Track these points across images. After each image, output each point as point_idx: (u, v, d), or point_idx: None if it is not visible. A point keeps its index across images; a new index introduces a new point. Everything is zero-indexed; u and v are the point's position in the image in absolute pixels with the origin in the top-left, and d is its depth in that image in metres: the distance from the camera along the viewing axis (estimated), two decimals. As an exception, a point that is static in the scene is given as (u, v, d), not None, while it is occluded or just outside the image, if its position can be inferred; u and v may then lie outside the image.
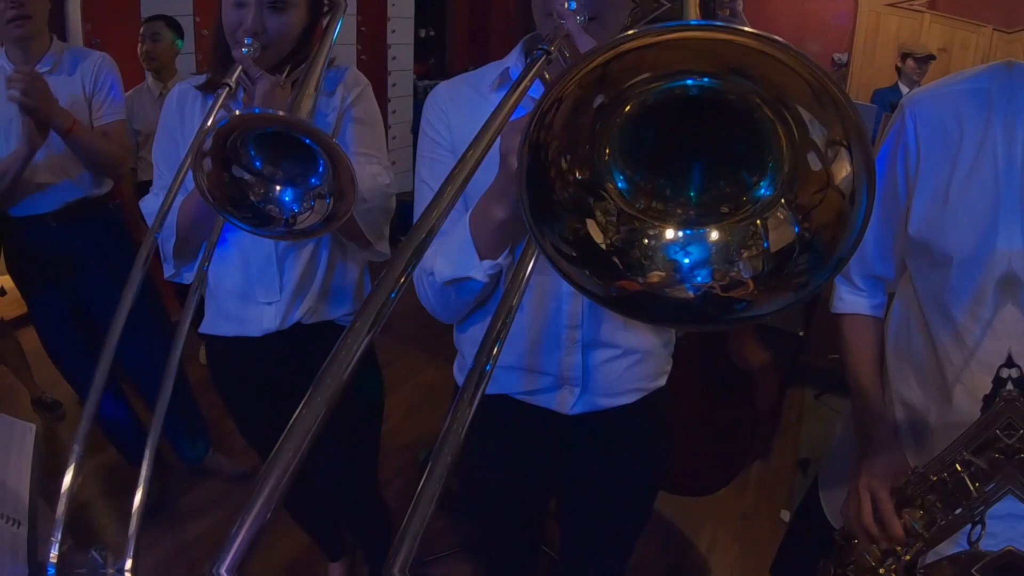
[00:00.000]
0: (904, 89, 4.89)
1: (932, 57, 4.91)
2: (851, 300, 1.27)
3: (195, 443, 2.69)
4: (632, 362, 1.18)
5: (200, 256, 1.41)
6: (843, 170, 0.53)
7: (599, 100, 0.58)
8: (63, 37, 3.11)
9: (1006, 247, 0.99)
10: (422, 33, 6.14)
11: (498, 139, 0.66)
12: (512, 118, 0.69)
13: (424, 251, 0.52)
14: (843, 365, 1.28)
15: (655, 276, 0.62)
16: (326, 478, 1.85)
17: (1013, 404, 0.92)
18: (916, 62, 4.90)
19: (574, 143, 0.59)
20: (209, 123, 1.13)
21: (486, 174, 0.76)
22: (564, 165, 0.60)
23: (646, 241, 0.62)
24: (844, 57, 6.44)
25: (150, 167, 2.70)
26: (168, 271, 1.45)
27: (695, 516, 2.68)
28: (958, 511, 1.00)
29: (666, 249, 0.62)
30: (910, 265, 1.16)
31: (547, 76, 0.86)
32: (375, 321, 0.45)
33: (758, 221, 0.60)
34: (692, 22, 0.56)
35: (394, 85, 5.67)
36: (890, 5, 6.29)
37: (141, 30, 3.12)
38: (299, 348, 1.53)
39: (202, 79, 1.43)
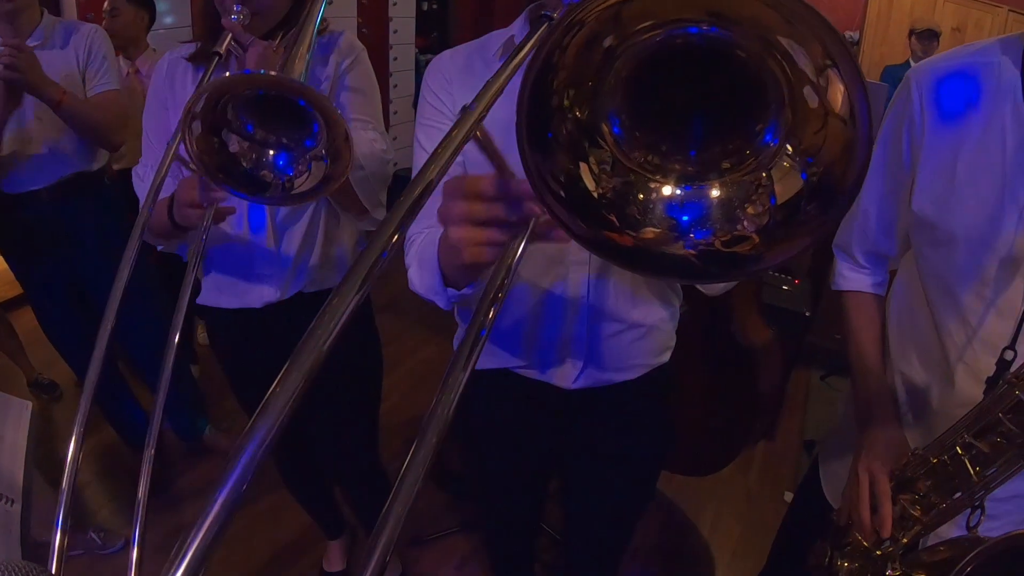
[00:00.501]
0: (914, 67, 4.79)
1: (934, 33, 4.73)
2: (853, 277, 1.25)
3: (193, 421, 2.70)
4: (637, 336, 1.16)
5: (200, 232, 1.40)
6: (838, 92, 0.51)
7: (608, 40, 0.56)
8: (57, 11, 3.06)
9: (1012, 230, 0.96)
10: (424, 6, 6.05)
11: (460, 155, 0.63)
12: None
13: (418, 209, 0.50)
14: (844, 343, 1.26)
15: (649, 232, 0.60)
16: (325, 443, 1.85)
17: (1017, 387, 0.89)
18: (918, 38, 4.76)
19: (580, 77, 0.57)
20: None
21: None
22: (566, 100, 0.58)
23: (641, 196, 0.60)
24: (856, 35, 6.34)
25: (121, 158, 2.64)
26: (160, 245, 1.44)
27: (697, 497, 2.68)
28: (957, 495, 0.98)
29: (662, 205, 0.60)
30: (914, 242, 1.14)
31: None
32: (365, 279, 0.43)
33: (763, 173, 0.57)
34: None
35: (395, 59, 5.59)
36: (903, -19, 6.20)
37: (104, 5, 2.88)
38: (301, 318, 1.50)
39: (192, 48, 1.39)
